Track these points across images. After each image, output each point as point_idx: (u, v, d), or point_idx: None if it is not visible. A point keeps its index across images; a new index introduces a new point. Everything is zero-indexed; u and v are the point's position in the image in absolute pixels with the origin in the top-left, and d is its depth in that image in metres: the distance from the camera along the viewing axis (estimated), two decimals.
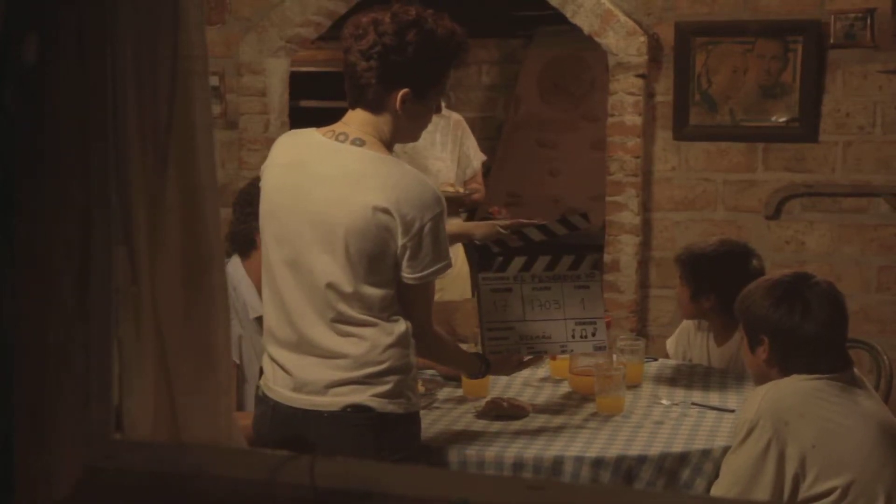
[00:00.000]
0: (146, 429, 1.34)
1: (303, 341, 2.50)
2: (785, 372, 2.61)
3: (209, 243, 1.42)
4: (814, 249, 4.73)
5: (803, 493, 2.48)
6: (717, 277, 3.51)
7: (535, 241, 3.18)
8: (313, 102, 6.32)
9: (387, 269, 2.46)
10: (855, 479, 2.47)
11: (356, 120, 2.52)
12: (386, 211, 2.41)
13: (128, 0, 1.26)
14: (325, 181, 2.47)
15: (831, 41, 4.60)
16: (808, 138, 4.70)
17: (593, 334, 3.08)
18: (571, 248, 3.18)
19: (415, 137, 2.66)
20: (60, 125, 1.16)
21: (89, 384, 1.21)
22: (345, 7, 5.24)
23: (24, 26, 1.11)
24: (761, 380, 2.69)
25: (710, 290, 3.51)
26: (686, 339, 3.75)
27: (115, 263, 1.26)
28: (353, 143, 2.48)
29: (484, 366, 2.85)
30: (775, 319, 2.62)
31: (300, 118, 5.44)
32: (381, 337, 2.47)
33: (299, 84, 5.61)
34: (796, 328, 2.60)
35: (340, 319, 2.47)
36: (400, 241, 2.43)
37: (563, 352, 3.10)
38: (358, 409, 2.46)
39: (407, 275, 2.46)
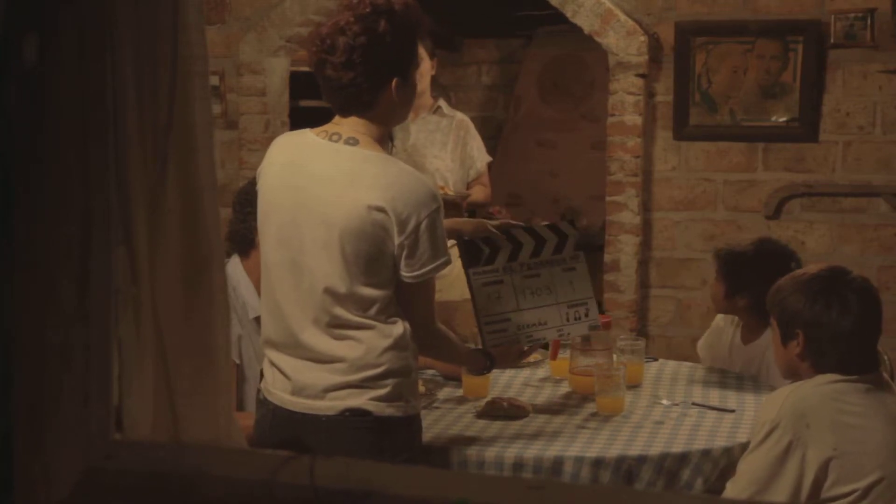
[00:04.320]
0: (146, 429, 1.34)
1: (299, 344, 2.49)
2: (817, 367, 2.60)
3: (209, 243, 1.42)
4: (814, 249, 4.73)
5: (822, 494, 2.47)
6: (754, 277, 3.49)
7: (523, 244, 3.16)
8: (313, 102, 6.30)
9: (384, 270, 2.45)
10: (876, 480, 2.46)
11: (348, 122, 2.51)
12: (381, 209, 2.39)
13: (128, 0, 1.26)
14: (321, 181, 2.46)
15: (831, 41, 4.60)
16: (808, 138, 4.70)
17: (586, 314, 3.07)
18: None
19: (405, 117, 2.67)
20: (60, 125, 1.16)
21: (89, 384, 1.21)
22: None
23: (24, 26, 1.11)
24: (790, 375, 2.68)
25: (745, 289, 3.49)
26: (717, 336, 3.72)
27: (115, 263, 1.26)
28: (347, 142, 2.48)
29: (488, 361, 2.84)
30: (812, 314, 2.60)
31: (300, 118, 5.43)
32: (377, 340, 2.45)
33: (299, 84, 5.61)
34: (833, 324, 2.58)
35: (336, 323, 2.45)
36: (397, 240, 2.41)
37: (561, 336, 3.08)
38: (356, 413, 2.44)
39: (406, 273, 2.45)
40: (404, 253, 2.43)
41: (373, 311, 2.45)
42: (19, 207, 1.13)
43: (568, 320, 3.04)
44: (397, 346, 2.47)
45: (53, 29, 1.14)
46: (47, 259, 1.16)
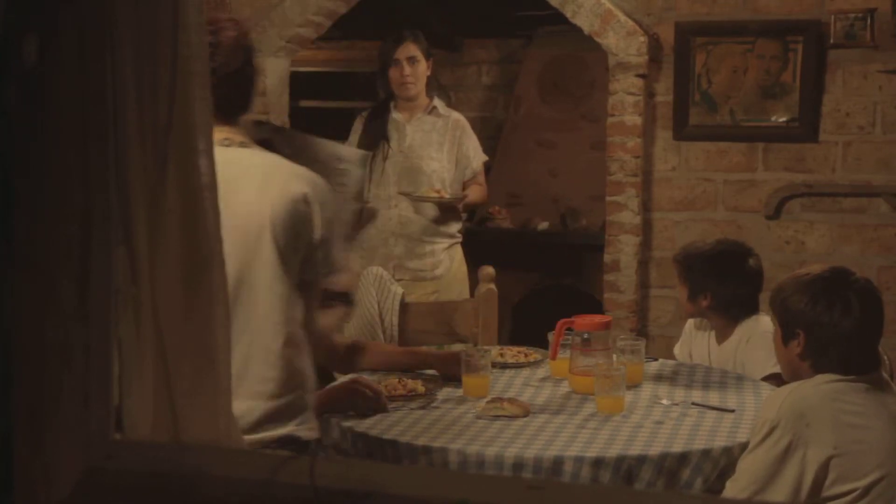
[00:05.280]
0: (146, 429, 1.34)
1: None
2: (817, 367, 2.60)
3: (209, 243, 1.42)
4: (814, 249, 4.73)
5: (822, 493, 2.48)
6: (712, 276, 3.53)
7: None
8: (313, 102, 6.31)
9: (297, 271, 2.32)
10: (876, 479, 2.47)
11: (224, 129, 2.33)
12: (306, 199, 2.29)
13: (128, 0, 1.26)
14: (236, 186, 2.22)
15: (831, 41, 4.60)
16: (808, 138, 4.70)
17: (344, 179, 2.60)
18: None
19: None
20: (60, 125, 1.16)
21: (89, 384, 1.21)
22: (345, 7, 5.24)
23: (24, 26, 1.12)
24: (791, 374, 2.69)
25: (706, 289, 3.53)
26: (689, 341, 3.76)
27: (115, 263, 1.26)
28: (240, 146, 2.37)
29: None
30: (814, 314, 2.61)
31: (300, 118, 5.44)
32: (295, 357, 2.34)
33: (299, 84, 5.61)
34: (835, 324, 2.59)
35: (270, 332, 2.30)
36: (318, 233, 2.30)
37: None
38: (286, 441, 2.32)
39: (325, 269, 2.35)
40: (325, 246, 2.32)
41: (298, 317, 2.32)
42: (19, 207, 1.13)
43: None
44: (307, 364, 2.38)
45: (53, 29, 1.14)
46: (47, 259, 1.16)
